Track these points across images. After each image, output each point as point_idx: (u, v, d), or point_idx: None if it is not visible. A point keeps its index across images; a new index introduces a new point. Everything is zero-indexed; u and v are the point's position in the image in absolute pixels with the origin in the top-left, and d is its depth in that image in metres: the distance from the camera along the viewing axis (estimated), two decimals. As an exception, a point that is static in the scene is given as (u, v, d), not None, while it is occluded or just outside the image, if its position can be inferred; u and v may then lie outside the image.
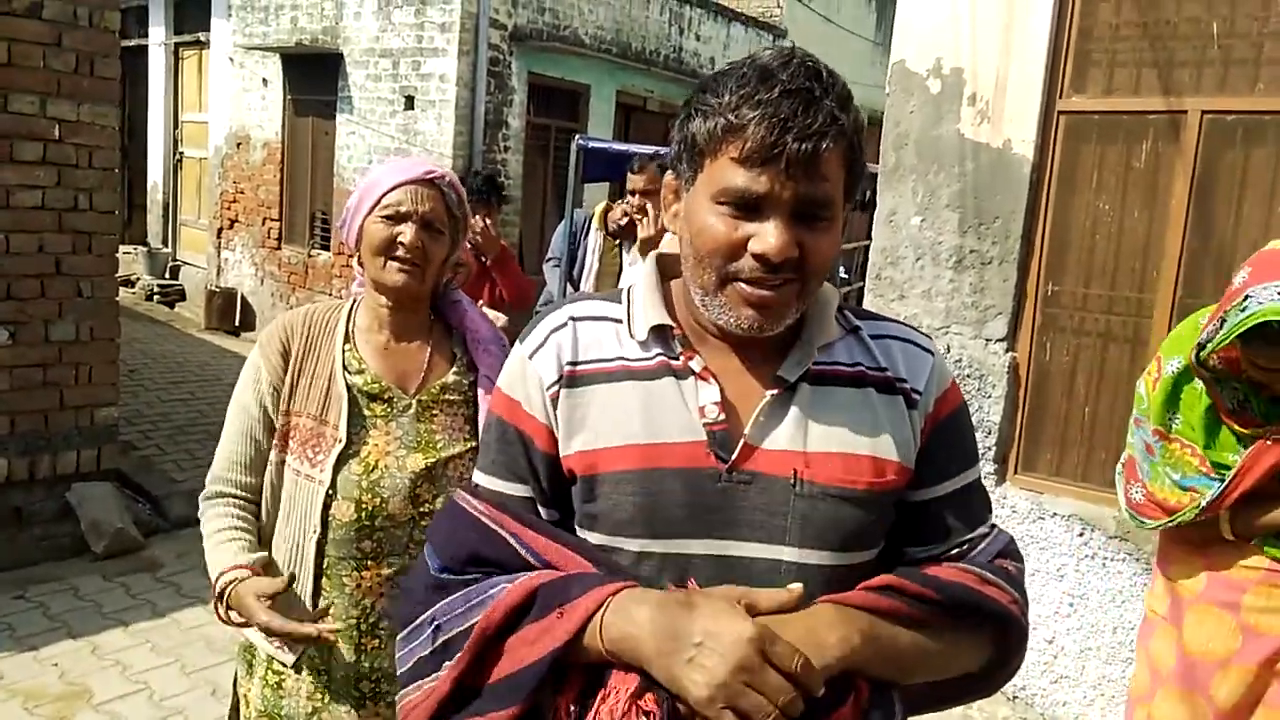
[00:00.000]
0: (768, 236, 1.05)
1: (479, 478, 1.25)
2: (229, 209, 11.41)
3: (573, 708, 1.06)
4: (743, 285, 1.08)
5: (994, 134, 3.79)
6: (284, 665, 1.84)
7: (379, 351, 1.90)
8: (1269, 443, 2.05)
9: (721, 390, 1.14)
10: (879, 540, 1.18)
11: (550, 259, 5.22)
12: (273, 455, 1.86)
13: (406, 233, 1.83)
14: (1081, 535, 3.67)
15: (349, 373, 1.86)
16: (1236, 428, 2.11)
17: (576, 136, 5.83)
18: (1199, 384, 2.17)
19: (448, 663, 1.12)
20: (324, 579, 1.81)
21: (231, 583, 1.71)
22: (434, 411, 1.89)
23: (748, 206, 1.06)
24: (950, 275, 3.93)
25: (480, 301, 4.80)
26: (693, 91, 1.14)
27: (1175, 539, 2.27)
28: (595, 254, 4.97)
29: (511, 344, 1.32)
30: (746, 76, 1.06)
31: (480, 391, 1.93)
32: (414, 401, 1.87)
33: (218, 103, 11.47)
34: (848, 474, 1.12)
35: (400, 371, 1.90)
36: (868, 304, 4.19)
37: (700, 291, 1.13)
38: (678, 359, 1.16)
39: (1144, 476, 2.29)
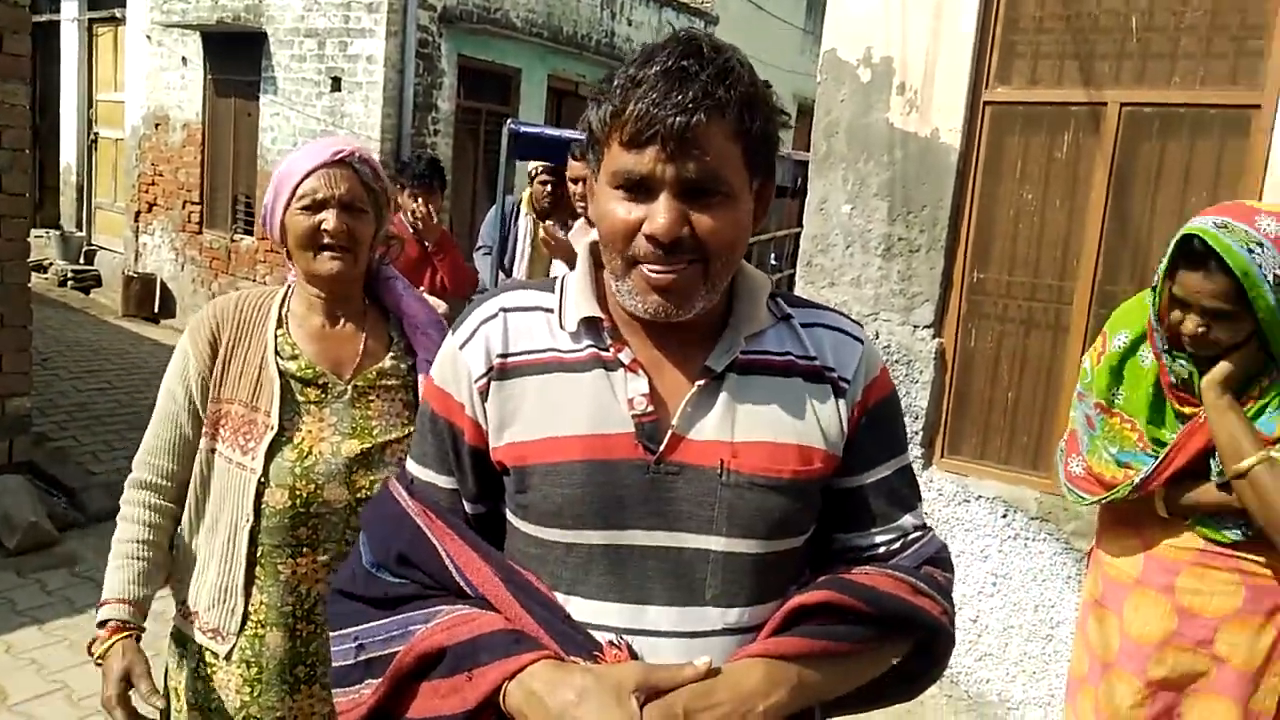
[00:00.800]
0: (656, 217, 1.06)
1: (410, 465, 1.27)
2: (147, 192, 11.06)
3: None
4: (645, 269, 1.09)
5: (922, 123, 3.85)
6: (215, 656, 1.81)
7: (313, 336, 1.88)
8: (1202, 421, 2.05)
9: (650, 381, 1.14)
10: (807, 527, 1.20)
11: (481, 247, 5.17)
12: (203, 443, 1.83)
13: (329, 219, 1.80)
14: (1005, 517, 3.76)
15: (281, 358, 1.83)
16: (1177, 405, 2.12)
17: (508, 121, 5.77)
18: (1144, 359, 2.17)
19: (371, 680, 1.17)
20: (258, 567, 1.78)
21: (111, 622, 1.73)
22: (370, 397, 1.87)
23: (638, 188, 1.08)
24: (879, 263, 3.99)
25: (421, 288, 4.74)
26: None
27: (1113, 519, 2.28)
28: (526, 239, 4.94)
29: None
30: (634, 60, 1.08)
31: (420, 376, 1.91)
32: (349, 387, 1.85)
33: (134, 82, 11.10)
34: (774, 463, 1.13)
35: (335, 357, 1.87)
36: (799, 291, 4.23)
37: (613, 278, 1.14)
38: (608, 350, 1.16)
39: (1083, 450, 2.29)
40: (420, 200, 4.73)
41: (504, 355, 1.17)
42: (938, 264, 3.87)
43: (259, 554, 1.78)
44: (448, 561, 1.16)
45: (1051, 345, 3.76)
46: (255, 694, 1.80)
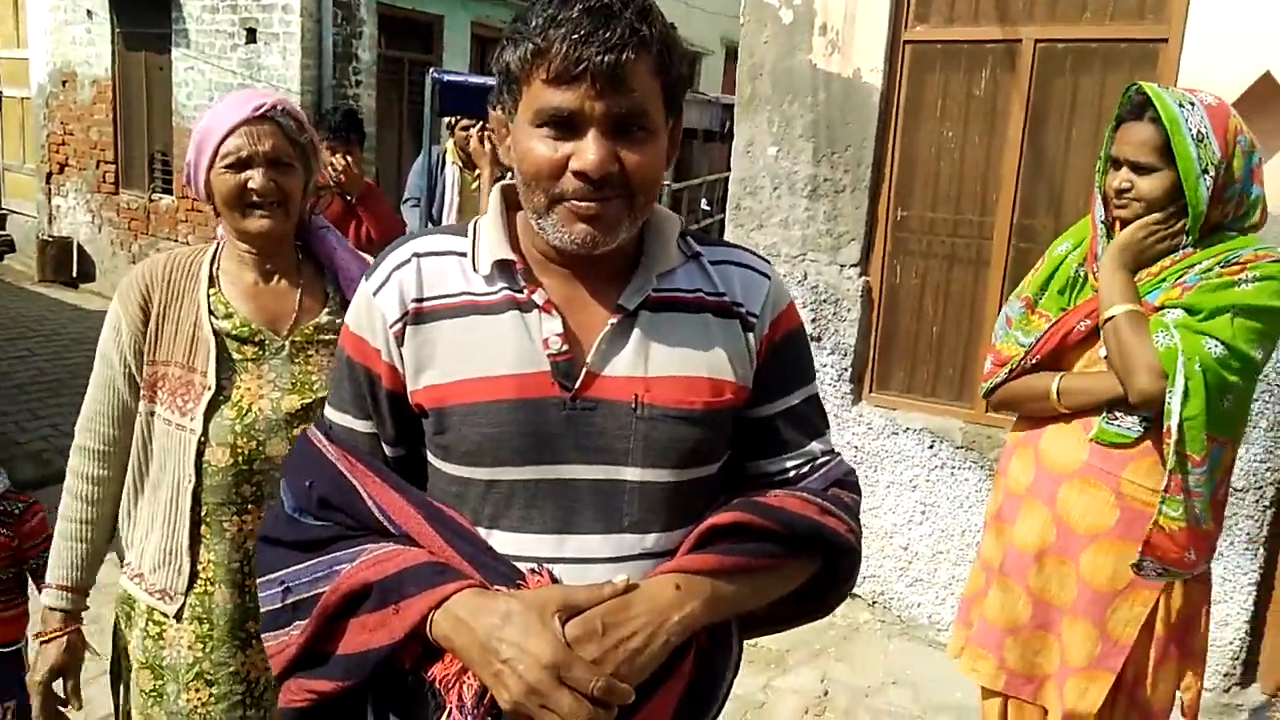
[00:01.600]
0: (586, 153, 1.08)
1: (329, 412, 1.29)
2: (58, 152, 10.66)
3: (419, 665, 1.13)
4: (573, 204, 1.11)
5: (844, 64, 3.89)
6: (165, 615, 1.82)
7: (247, 293, 1.86)
8: (1095, 293, 2.15)
9: (564, 321, 1.18)
10: (720, 455, 1.26)
11: (409, 199, 5.10)
12: (142, 406, 1.82)
13: (255, 177, 1.78)
14: (931, 447, 3.89)
15: (215, 317, 1.82)
16: (1094, 280, 2.18)
17: (431, 70, 5.67)
18: (1071, 258, 2.26)
19: (299, 622, 1.20)
20: (203, 526, 1.79)
21: (58, 613, 1.83)
22: (309, 352, 1.87)
23: (564, 125, 1.09)
24: (806, 204, 4.04)
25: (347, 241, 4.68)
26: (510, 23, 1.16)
27: (1021, 433, 2.33)
28: (454, 189, 4.89)
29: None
30: (553, 1, 1.09)
31: None
32: (286, 343, 1.84)
33: (37, 37, 10.64)
34: (686, 395, 1.18)
35: (271, 313, 1.86)
36: (728, 234, 4.27)
37: (534, 215, 1.16)
38: (521, 292, 1.18)
39: (997, 343, 2.36)
40: (339, 154, 4.65)
41: (419, 300, 1.19)
42: (863, 203, 3.94)
43: (204, 513, 1.78)
44: (370, 503, 1.19)
45: (974, 280, 3.87)
46: (207, 650, 1.81)
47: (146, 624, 1.84)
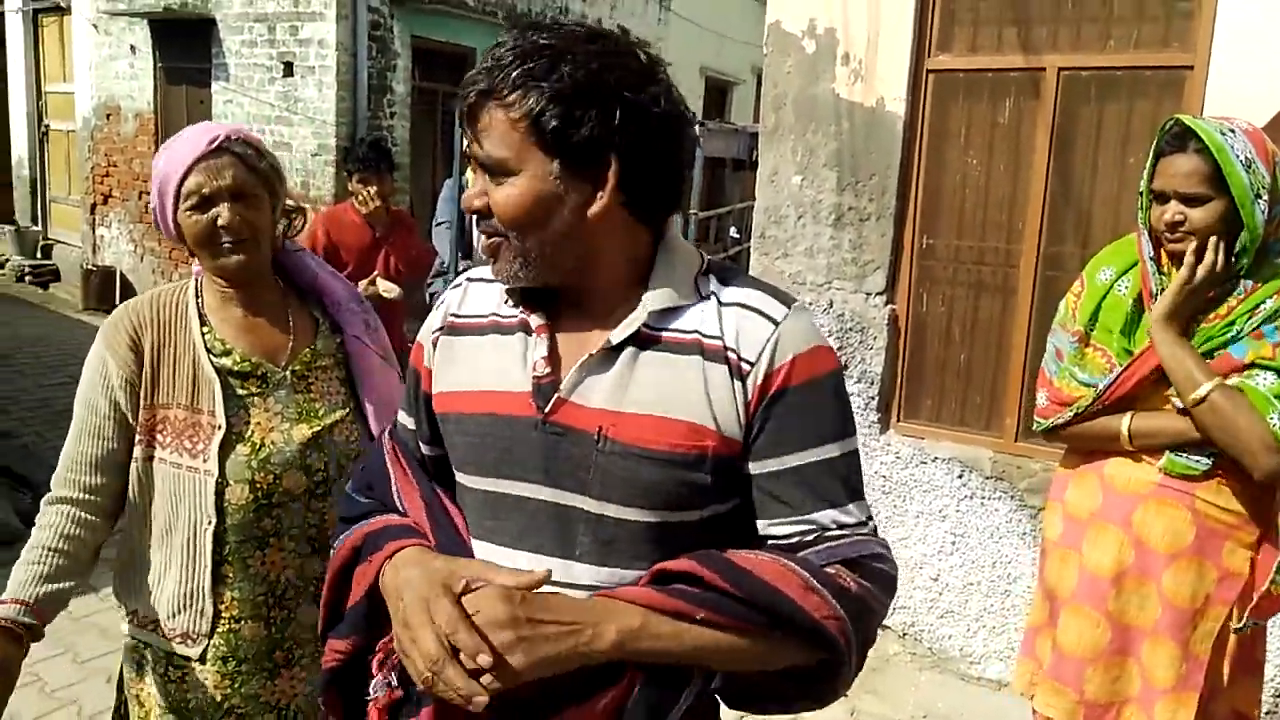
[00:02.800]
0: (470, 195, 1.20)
1: (399, 408, 1.47)
2: (102, 183, 10.92)
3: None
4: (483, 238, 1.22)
5: (867, 93, 3.89)
6: (186, 659, 1.79)
7: (239, 328, 1.84)
8: None
9: (555, 347, 1.22)
10: (701, 503, 1.19)
11: (440, 223, 5.15)
12: (138, 451, 1.78)
13: (222, 214, 1.73)
14: (961, 477, 3.85)
15: (214, 355, 1.80)
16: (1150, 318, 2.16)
17: (462, 101, 5.73)
18: (1120, 288, 2.22)
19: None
20: (226, 565, 1.77)
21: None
22: (310, 380, 1.87)
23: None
24: (830, 232, 4.04)
25: (376, 273, 4.73)
26: None
27: (1076, 458, 2.32)
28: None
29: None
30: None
31: (350, 352, 1.93)
32: (288, 373, 1.84)
33: (83, 72, 10.92)
34: (655, 435, 1.15)
35: (266, 345, 1.85)
36: (753, 262, 4.27)
37: None
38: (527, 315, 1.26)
39: (1051, 377, 2.32)
40: (362, 185, 4.71)
41: (456, 315, 1.33)
42: (888, 231, 3.93)
43: (225, 552, 1.76)
44: (394, 490, 1.36)
45: (1000, 308, 3.84)
46: (236, 686, 1.79)
47: (166, 669, 1.81)
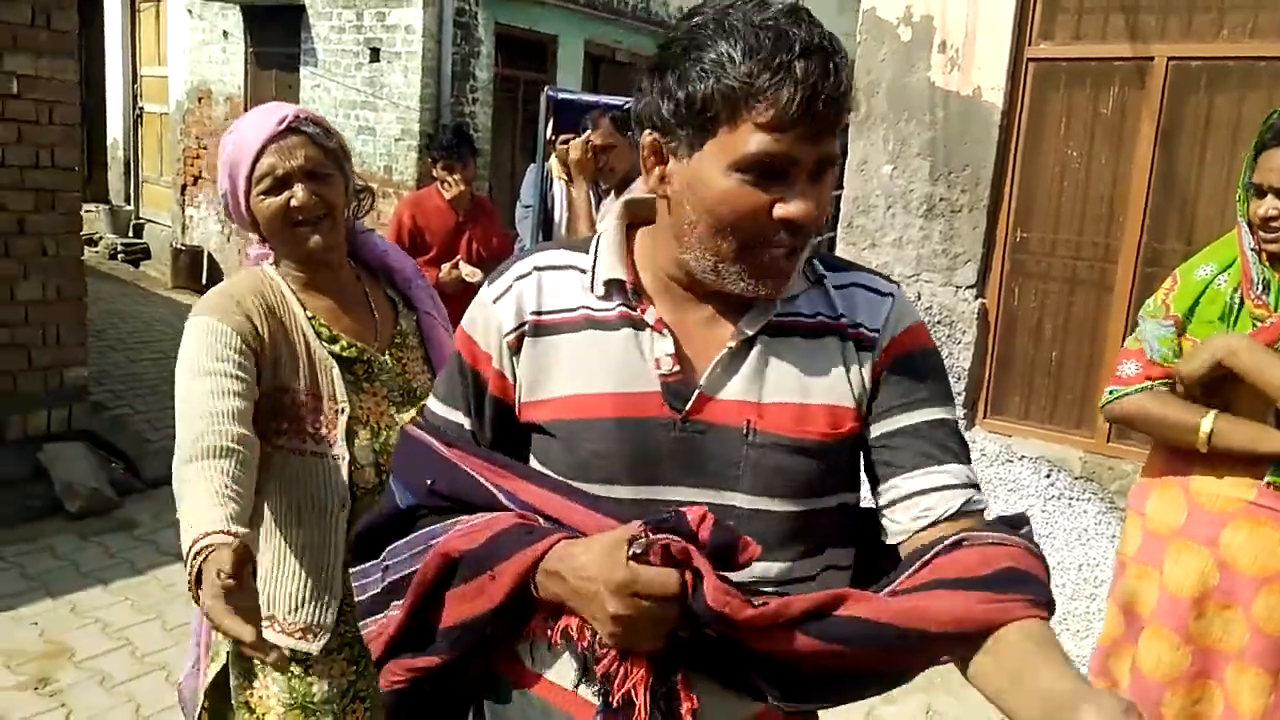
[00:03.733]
0: (799, 202, 1.05)
1: (434, 404, 1.29)
2: (192, 165, 11.21)
3: (548, 619, 1.14)
4: (773, 252, 1.08)
5: (964, 82, 3.81)
6: (307, 654, 1.75)
7: (333, 315, 1.80)
8: (1268, 325, 2.03)
9: (677, 342, 1.16)
10: (836, 489, 1.18)
11: (527, 207, 5.18)
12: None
13: (297, 194, 1.68)
14: (1048, 476, 3.75)
15: (324, 341, 1.76)
16: (1254, 308, 2.08)
17: (545, 88, 5.77)
18: (1219, 283, 2.15)
19: (396, 602, 1.21)
20: (349, 551, 1.73)
21: (208, 549, 1.23)
22: (404, 361, 1.86)
23: (772, 172, 1.05)
24: (921, 223, 3.97)
25: (458, 257, 4.78)
26: (671, 45, 1.09)
27: (1159, 467, 2.24)
28: (563, 204, 4.95)
29: (467, 296, 1.33)
30: (756, 35, 1.02)
31: (425, 328, 1.91)
32: (387, 357, 1.83)
33: (176, 56, 11.22)
34: (800, 424, 1.13)
35: (360, 329, 1.82)
36: (839, 252, 4.22)
37: (713, 258, 1.11)
38: (634, 309, 1.17)
39: (1145, 345, 2.22)
40: (445, 170, 4.76)
41: (538, 313, 1.19)
42: (980, 224, 3.84)
43: (351, 537, 1.67)
44: (490, 489, 1.18)
45: (1096, 304, 3.73)
46: (361, 668, 1.78)
47: (289, 665, 1.74)
